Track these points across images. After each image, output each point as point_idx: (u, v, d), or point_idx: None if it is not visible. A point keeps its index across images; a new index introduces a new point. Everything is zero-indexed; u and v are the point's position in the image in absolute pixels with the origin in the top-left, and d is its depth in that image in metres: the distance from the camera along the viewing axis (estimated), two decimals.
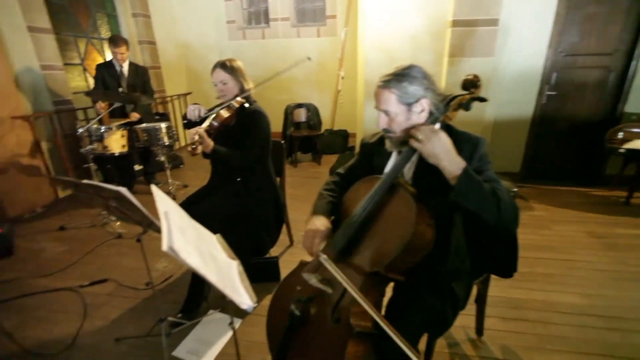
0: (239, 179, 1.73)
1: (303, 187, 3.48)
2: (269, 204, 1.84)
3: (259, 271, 1.94)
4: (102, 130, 2.61)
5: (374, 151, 1.18)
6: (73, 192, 1.19)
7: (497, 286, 1.68)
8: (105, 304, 1.81)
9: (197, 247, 0.82)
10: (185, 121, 1.76)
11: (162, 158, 3.09)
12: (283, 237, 2.17)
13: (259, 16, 5.54)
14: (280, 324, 1.06)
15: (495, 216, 0.86)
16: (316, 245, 1.04)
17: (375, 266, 0.91)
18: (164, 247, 0.67)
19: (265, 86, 1.83)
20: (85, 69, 3.96)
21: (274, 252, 2.21)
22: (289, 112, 4.39)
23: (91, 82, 4.01)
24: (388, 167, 1.11)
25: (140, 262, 2.18)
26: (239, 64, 1.69)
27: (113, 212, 1.25)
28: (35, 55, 3.09)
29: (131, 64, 3.15)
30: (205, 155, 1.68)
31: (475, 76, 0.97)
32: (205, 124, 1.47)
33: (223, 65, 1.64)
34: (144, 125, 2.94)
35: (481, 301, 1.44)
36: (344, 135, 4.88)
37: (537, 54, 3.01)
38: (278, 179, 2.01)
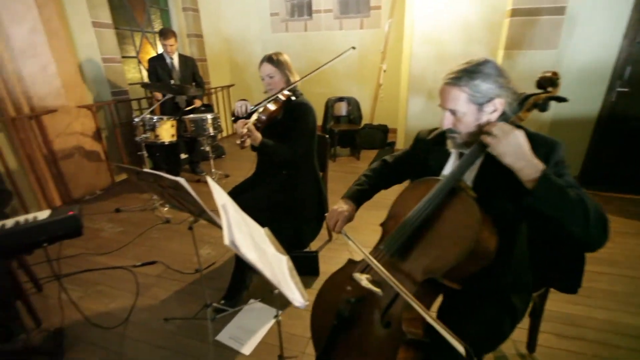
0: (284, 172, 1.74)
1: (341, 182, 3.45)
2: (312, 198, 1.84)
3: (298, 265, 1.93)
4: (154, 120, 2.76)
5: (430, 149, 1.12)
6: (134, 179, 1.26)
7: (554, 300, 1.54)
8: (155, 285, 1.92)
9: (252, 241, 0.83)
10: (233, 117, 1.80)
11: (207, 148, 3.21)
12: (322, 231, 2.17)
13: (302, 8, 5.54)
14: (326, 322, 1.05)
15: (582, 226, 0.77)
16: (337, 226, 1.13)
17: (432, 272, 0.86)
18: (226, 241, 0.68)
19: (306, 79, 1.81)
20: (139, 62, 4.20)
21: (313, 246, 2.23)
22: (329, 105, 4.36)
23: (144, 74, 4.27)
24: (447, 169, 1.05)
25: (185, 247, 2.30)
26: (285, 57, 1.69)
27: (168, 199, 1.31)
28: (97, 49, 3.33)
29: (180, 56, 3.28)
30: (253, 148, 1.70)
31: (555, 73, 0.87)
32: (254, 117, 1.49)
33: (270, 59, 1.65)
34: (191, 116, 3.07)
35: (536, 315, 1.34)
36: (384, 131, 4.76)
37: (609, 45, 2.71)
38: (321, 174, 2.00)
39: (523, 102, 0.89)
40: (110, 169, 3.41)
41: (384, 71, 4.96)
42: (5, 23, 2.41)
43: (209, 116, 3.04)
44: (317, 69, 1.76)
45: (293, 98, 1.68)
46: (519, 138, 0.81)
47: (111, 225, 2.62)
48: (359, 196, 1.21)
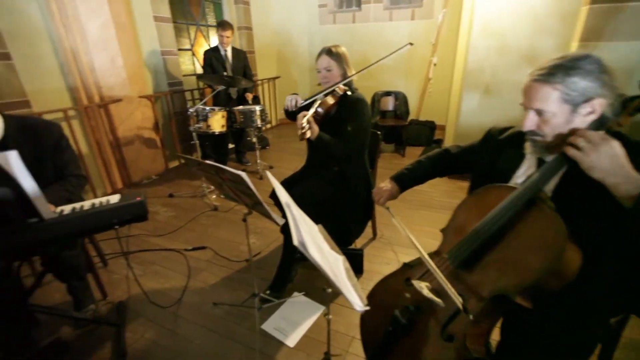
0: (336, 168, 1.72)
1: (385, 178, 3.37)
2: (361, 195, 1.80)
3: None
4: (207, 111, 2.87)
5: (502, 150, 1.03)
6: (194, 169, 1.32)
7: (632, 326, 1.39)
8: (204, 270, 2.02)
9: (313, 240, 0.82)
10: (284, 110, 1.80)
11: (254, 139, 3.28)
12: (367, 229, 2.14)
13: None
14: (378, 326, 1.02)
15: None
16: (381, 201, 1.25)
17: (505, 289, 0.79)
18: (295, 242, 0.67)
19: (361, 73, 1.75)
20: (193, 54, 4.38)
21: (357, 243, 2.20)
22: (376, 99, 4.25)
23: (197, 65, 4.46)
24: (520, 175, 0.96)
25: (233, 235, 2.38)
26: (343, 50, 1.65)
27: (224, 190, 1.35)
28: (158, 42, 3.53)
29: (233, 49, 3.38)
30: (308, 140, 1.70)
31: None
32: (312, 110, 1.47)
33: (329, 51, 1.62)
34: (240, 107, 3.15)
35: (611, 342, 1.20)
36: (431, 127, 4.56)
37: None
38: (370, 170, 1.96)
39: (625, 105, 0.78)
40: (165, 155, 3.63)
41: (434, 65, 4.72)
42: (82, 19, 2.63)
43: (257, 108, 3.10)
44: (374, 64, 1.70)
45: (349, 93, 1.64)
46: (614, 149, 0.70)
47: (165, 209, 2.79)
48: (406, 179, 1.26)
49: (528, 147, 0.91)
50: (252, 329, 1.56)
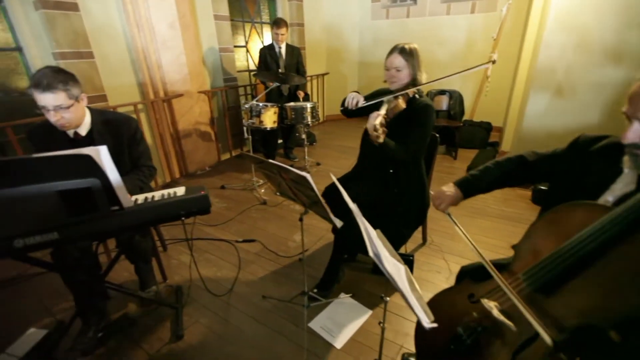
0: (391, 171, 1.68)
1: (435, 182, 3.21)
2: (415, 199, 1.74)
3: None
4: (260, 107, 2.95)
5: (593, 161, 0.91)
6: (256, 167, 1.35)
7: None
8: (254, 262, 2.09)
9: (385, 252, 0.79)
10: (342, 108, 1.78)
11: (303, 135, 3.32)
12: (416, 234, 2.07)
13: None
14: (437, 342, 0.98)
15: None
16: (442, 206, 1.17)
17: (596, 318, 0.71)
18: (370, 253, 0.65)
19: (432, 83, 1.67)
20: (247, 51, 4.53)
21: (406, 248, 2.14)
22: (429, 98, 4.08)
23: (250, 62, 4.60)
24: (614, 193, 0.85)
25: (281, 230, 2.43)
26: (417, 49, 1.57)
27: (283, 189, 1.37)
28: (216, 39, 3.69)
29: (288, 46, 3.43)
30: (364, 140, 1.67)
31: None
32: (383, 112, 1.43)
33: (402, 50, 1.54)
34: (292, 104, 3.20)
35: None
36: (486, 128, 4.28)
37: None
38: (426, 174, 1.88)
39: None
40: (218, 148, 3.81)
41: (494, 62, 4.39)
42: (153, 20, 2.83)
43: (309, 105, 3.12)
44: (451, 75, 1.57)
45: (416, 96, 1.58)
46: None
47: (217, 200, 2.93)
48: (471, 187, 1.17)
49: (627, 161, 0.80)
50: (299, 325, 1.59)
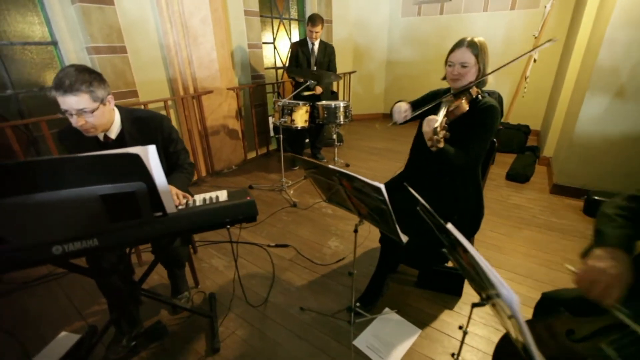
0: (446, 178, 1.52)
1: None
2: (470, 209, 1.58)
3: (439, 281, 1.75)
4: (292, 105, 2.84)
5: None
6: (305, 171, 1.23)
7: None
8: (288, 269, 1.97)
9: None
10: (391, 124, 1.61)
11: (334, 135, 3.19)
12: None
13: None
14: None
15: None
16: (610, 296, 0.71)
17: None
18: (506, 297, 0.51)
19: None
20: (275, 48, 4.43)
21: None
22: None
23: (278, 60, 4.50)
24: None
25: (314, 235, 2.31)
26: (485, 43, 1.41)
27: (336, 196, 1.25)
28: (245, 36, 3.60)
29: (321, 42, 3.30)
30: (415, 145, 1.53)
31: None
32: (442, 114, 1.28)
33: (472, 44, 1.36)
34: (324, 102, 3.07)
35: None
36: (525, 132, 4.03)
37: None
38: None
39: None
40: (244, 146, 3.72)
41: (534, 61, 4.14)
42: (186, 15, 2.76)
43: (342, 104, 2.99)
44: (512, 61, 1.39)
45: (480, 97, 1.42)
46: None
47: None
48: (630, 243, 0.77)
49: None
50: (343, 342, 1.46)
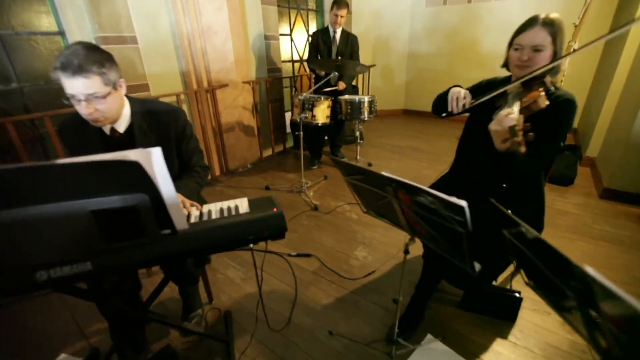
0: (504, 185, 1.27)
1: None
2: (529, 219, 1.32)
3: (491, 303, 1.50)
4: (314, 99, 2.61)
5: None
6: (349, 179, 1.00)
7: None
8: (312, 283, 1.76)
9: None
10: (444, 114, 1.34)
11: (357, 132, 2.95)
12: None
13: None
14: None
15: None
16: None
17: None
18: None
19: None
20: (291, 40, 4.20)
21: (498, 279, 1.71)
22: None
23: (295, 52, 4.27)
24: None
25: (339, 244, 2.09)
26: (562, 20, 1.14)
27: (380, 207, 1.02)
28: (262, 26, 3.39)
29: (343, 31, 3.06)
30: (464, 142, 1.28)
31: None
32: (516, 109, 1.03)
33: (547, 22, 1.09)
34: (347, 97, 2.83)
35: None
36: None
37: None
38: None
39: None
40: (260, 143, 3.52)
41: (574, 50, 3.78)
42: (200, 2, 2.55)
43: (366, 98, 2.75)
44: (604, 37, 1.10)
45: (552, 87, 1.16)
46: None
47: None
48: None
49: None
50: None
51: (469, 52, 4.65)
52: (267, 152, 3.77)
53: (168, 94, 2.57)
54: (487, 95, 1.20)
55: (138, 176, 0.67)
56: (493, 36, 4.45)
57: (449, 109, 1.25)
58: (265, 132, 3.64)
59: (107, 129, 1.12)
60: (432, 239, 0.89)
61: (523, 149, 0.95)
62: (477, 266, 0.81)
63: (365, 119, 2.81)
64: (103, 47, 2.21)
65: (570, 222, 2.31)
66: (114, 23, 2.26)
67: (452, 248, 0.83)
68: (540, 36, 1.09)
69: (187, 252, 0.90)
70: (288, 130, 4.03)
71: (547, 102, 1.06)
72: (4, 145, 2.02)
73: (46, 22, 2.24)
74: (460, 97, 1.22)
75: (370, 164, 3.30)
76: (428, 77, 5.17)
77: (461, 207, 0.65)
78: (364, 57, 5.07)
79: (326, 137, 3.57)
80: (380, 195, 0.90)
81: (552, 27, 1.09)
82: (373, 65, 5.15)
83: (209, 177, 3.08)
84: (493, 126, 1.03)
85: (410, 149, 3.84)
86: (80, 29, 2.29)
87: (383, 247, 2.01)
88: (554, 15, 1.12)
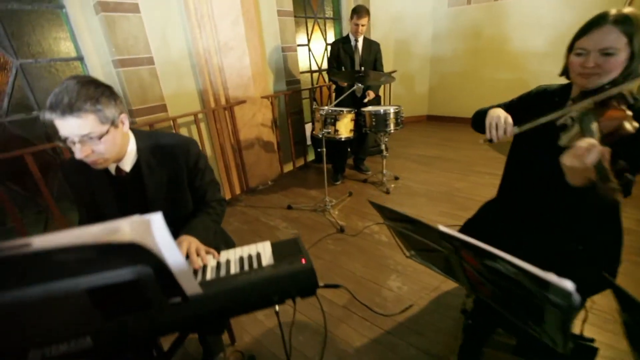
0: (563, 205, 1.05)
1: None
2: (602, 258, 1.09)
3: (547, 350, 1.27)
4: (336, 112, 2.46)
5: None
6: (385, 221, 0.83)
7: None
8: (343, 321, 1.59)
9: None
10: (488, 141, 1.13)
11: (382, 145, 2.77)
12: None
13: None
14: None
15: None
16: None
17: None
18: None
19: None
20: (309, 50, 4.09)
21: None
22: None
23: (314, 63, 4.16)
24: None
25: (369, 271, 1.91)
26: (639, 14, 0.93)
27: (433, 258, 0.84)
28: (279, 38, 3.29)
29: (365, 39, 2.90)
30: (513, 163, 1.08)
31: None
32: (596, 137, 0.81)
33: (621, 19, 0.86)
34: (370, 108, 2.67)
35: None
36: None
37: None
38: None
39: None
40: (280, 158, 3.40)
41: None
42: (215, 17, 2.48)
43: (392, 109, 2.57)
44: None
45: (629, 99, 0.94)
46: None
47: (285, 225, 2.50)
48: None
49: None
50: None
51: (497, 52, 4.37)
52: (288, 167, 3.66)
53: (186, 114, 2.50)
54: (538, 121, 0.98)
55: (137, 251, 0.53)
56: (522, 33, 4.16)
57: (488, 137, 1.06)
58: (285, 146, 3.53)
59: (112, 168, 1.01)
60: (502, 304, 0.71)
61: (620, 198, 0.73)
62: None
63: (392, 131, 2.63)
64: (120, 69, 2.20)
65: (635, 242, 2.01)
66: (130, 45, 2.22)
67: (518, 314, 0.64)
68: (611, 37, 0.87)
69: (202, 319, 0.76)
70: (308, 142, 3.90)
71: (636, 125, 0.84)
72: (25, 172, 2.00)
73: (65, 48, 2.23)
74: (500, 124, 1.03)
75: (397, 178, 3.10)
76: (453, 80, 4.91)
77: (568, 293, 0.47)
78: (385, 63, 4.87)
79: (349, 149, 3.42)
80: (434, 248, 0.73)
81: (628, 24, 0.87)
82: (394, 72, 4.96)
83: (229, 194, 2.99)
84: (568, 161, 0.81)
85: (437, 159, 3.60)
86: (98, 54, 2.27)
87: (419, 277, 1.82)
88: (628, 9, 0.91)
